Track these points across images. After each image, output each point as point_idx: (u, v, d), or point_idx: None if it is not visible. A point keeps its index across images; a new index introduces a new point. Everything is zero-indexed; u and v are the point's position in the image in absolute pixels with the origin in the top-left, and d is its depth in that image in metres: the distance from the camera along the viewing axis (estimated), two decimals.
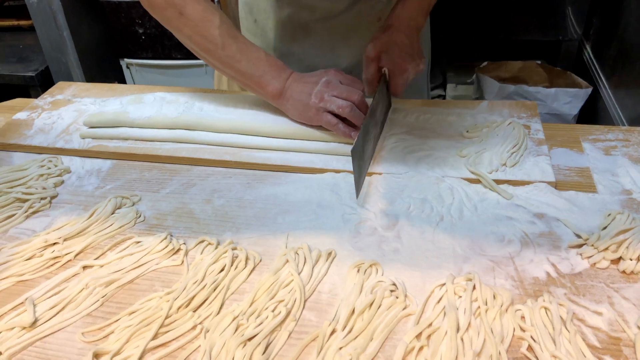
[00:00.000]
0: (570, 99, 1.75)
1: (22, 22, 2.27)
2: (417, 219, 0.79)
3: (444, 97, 2.16)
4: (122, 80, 2.27)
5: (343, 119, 0.91)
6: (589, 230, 0.75)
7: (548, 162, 0.88)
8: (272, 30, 1.15)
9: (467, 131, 0.97)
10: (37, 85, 2.01)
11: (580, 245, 0.73)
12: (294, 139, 0.96)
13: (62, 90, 1.22)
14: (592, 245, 0.72)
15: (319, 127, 0.94)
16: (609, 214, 0.77)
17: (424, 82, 1.29)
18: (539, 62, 1.93)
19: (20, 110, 1.14)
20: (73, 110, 1.13)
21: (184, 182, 0.92)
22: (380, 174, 0.89)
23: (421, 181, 0.86)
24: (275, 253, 0.75)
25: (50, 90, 1.23)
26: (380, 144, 0.94)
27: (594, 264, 0.70)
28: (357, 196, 0.83)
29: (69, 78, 2.07)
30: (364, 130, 0.84)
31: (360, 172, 0.83)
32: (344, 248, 0.75)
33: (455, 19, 1.95)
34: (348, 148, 0.92)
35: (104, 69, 2.19)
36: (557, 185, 0.84)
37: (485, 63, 1.94)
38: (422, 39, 1.22)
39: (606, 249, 0.71)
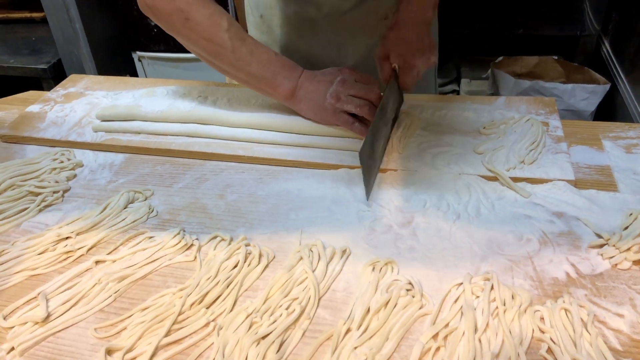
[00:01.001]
0: (587, 95, 1.72)
1: (35, 14, 2.27)
2: (434, 216, 0.78)
3: (458, 92, 2.13)
4: (134, 73, 2.27)
5: (359, 118, 0.90)
6: (610, 230, 0.73)
7: (567, 160, 0.86)
8: (278, 26, 1.13)
9: (484, 127, 0.95)
10: (49, 77, 2.01)
11: (601, 246, 0.71)
12: (308, 135, 0.94)
13: (74, 83, 1.21)
14: (614, 245, 0.70)
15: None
16: (631, 214, 0.75)
17: (432, 78, 1.28)
18: (555, 57, 1.90)
19: (33, 102, 1.14)
20: (85, 103, 1.12)
21: (197, 176, 0.91)
22: (395, 170, 0.87)
23: (437, 178, 0.85)
24: (289, 250, 0.74)
25: (62, 82, 1.22)
26: (396, 142, 0.93)
27: (616, 264, 0.68)
28: (367, 197, 0.82)
29: (81, 70, 2.07)
30: (374, 129, 0.82)
31: (369, 173, 0.82)
32: (358, 245, 0.74)
33: (470, 13, 1.92)
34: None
35: (116, 62, 2.19)
36: (577, 183, 0.82)
37: (500, 58, 1.91)
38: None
39: (628, 249, 0.69)
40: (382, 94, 0.91)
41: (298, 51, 1.13)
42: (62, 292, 0.69)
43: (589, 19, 1.81)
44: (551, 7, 1.85)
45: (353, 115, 0.90)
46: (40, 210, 0.85)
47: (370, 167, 0.82)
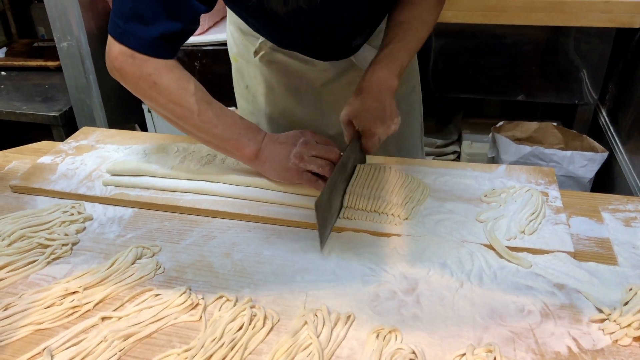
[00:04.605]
0: (586, 162, 1.76)
1: (50, 63, 2.34)
2: (437, 284, 0.79)
3: (459, 153, 2.17)
4: (143, 124, 2.31)
5: (321, 176, 0.94)
6: (611, 304, 0.74)
7: (567, 231, 0.88)
8: (263, 95, 1.18)
9: (485, 195, 0.98)
10: (60, 125, 2.05)
11: (602, 320, 0.72)
12: (313, 196, 0.97)
13: (86, 136, 1.24)
14: (614, 320, 0.71)
15: None
16: (631, 289, 0.76)
17: (418, 143, 1.32)
18: (554, 123, 1.95)
19: (46, 153, 1.17)
20: (96, 156, 1.15)
21: (204, 234, 0.92)
22: (399, 235, 0.89)
23: (441, 245, 0.86)
24: (294, 313, 0.75)
25: (74, 135, 1.25)
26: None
27: (616, 340, 0.69)
28: (321, 248, 0.86)
29: (92, 119, 2.11)
30: (331, 183, 0.87)
31: (325, 224, 0.86)
32: (363, 311, 0.75)
33: (472, 79, 1.99)
34: None
35: (126, 112, 2.24)
36: (577, 255, 0.84)
37: (501, 123, 1.96)
38: (413, 106, 1.25)
39: (629, 325, 0.70)
40: (342, 153, 0.95)
41: (282, 120, 1.18)
42: (67, 348, 0.70)
43: (587, 89, 1.87)
44: (550, 76, 1.91)
45: (315, 174, 0.94)
46: (48, 263, 0.86)
47: (326, 219, 0.87)
